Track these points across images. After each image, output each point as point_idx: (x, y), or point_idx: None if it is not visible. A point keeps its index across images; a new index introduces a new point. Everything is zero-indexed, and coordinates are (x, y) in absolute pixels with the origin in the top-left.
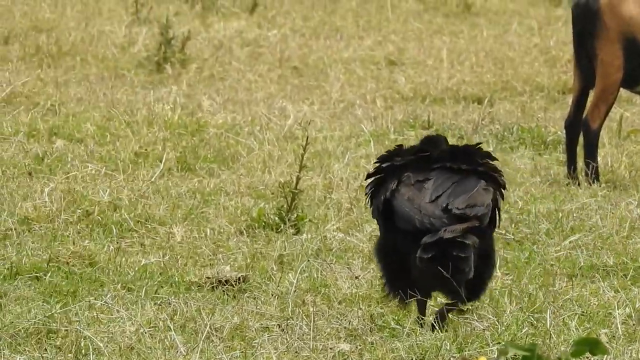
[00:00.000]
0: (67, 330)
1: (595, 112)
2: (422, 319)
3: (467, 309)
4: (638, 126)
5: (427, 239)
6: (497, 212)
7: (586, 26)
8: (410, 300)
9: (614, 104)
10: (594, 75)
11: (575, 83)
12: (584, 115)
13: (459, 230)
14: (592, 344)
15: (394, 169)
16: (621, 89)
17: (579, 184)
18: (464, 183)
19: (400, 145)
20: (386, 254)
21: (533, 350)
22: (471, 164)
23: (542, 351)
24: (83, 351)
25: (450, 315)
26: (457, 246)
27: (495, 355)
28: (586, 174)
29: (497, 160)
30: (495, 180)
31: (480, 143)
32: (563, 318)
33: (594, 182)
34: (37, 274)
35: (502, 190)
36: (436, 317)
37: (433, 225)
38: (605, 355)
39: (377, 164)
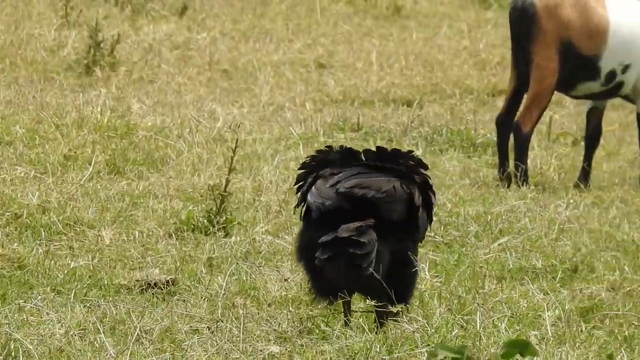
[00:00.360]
0: None
1: (527, 116)
2: (347, 319)
3: (399, 311)
4: (567, 129)
5: (324, 238)
6: (420, 213)
7: (523, 29)
8: (336, 301)
9: (545, 109)
10: (529, 79)
11: (510, 83)
12: (515, 119)
13: (353, 229)
14: (522, 346)
15: (317, 167)
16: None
17: (508, 186)
18: (371, 175)
19: (330, 146)
20: (304, 253)
21: (462, 352)
22: (392, 163)
23: (472, 353)
24: (13, 353)
25: (384, 319)
26: (352, 244)
27: (425, 358)
28: (515, 176)
29: (426, 167)
30: (412, 180)
31: (412, 151)
32: (493, 320)
33: (523, 185)
34: None
35: (429, 192)
36: (375, 324)
37: (323, 204)
38: (535, 357)
39: (306, 163)
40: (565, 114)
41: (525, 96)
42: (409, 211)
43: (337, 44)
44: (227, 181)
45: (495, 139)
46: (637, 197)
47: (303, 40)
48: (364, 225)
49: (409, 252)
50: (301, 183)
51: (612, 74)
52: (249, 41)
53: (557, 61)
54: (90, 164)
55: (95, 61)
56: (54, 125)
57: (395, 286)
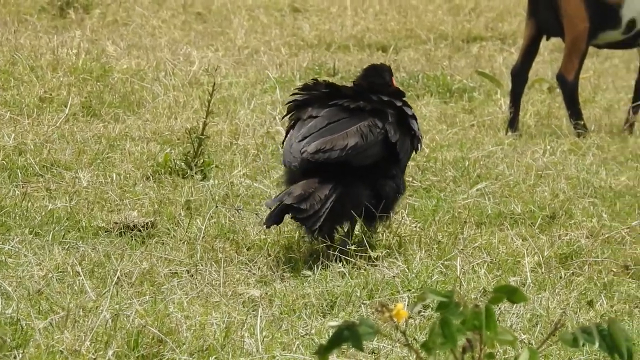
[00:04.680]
0: None
1: (569, 65)
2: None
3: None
4: (543, 75)
5: (270, 203)
6: (398, 147)
7: None
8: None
9: (586, 55)
10: (550, 26)
11: (526, 32)
12: (558, 71)
13: (295, 196)
14: (510, 291)
15: (301, 103)
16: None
17: (517, 132)
18: (341, 124)
19: (316, 80)
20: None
21: (450, 296)
22: (366, 100)
23: (459, 298)
24: None
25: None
26: (294, 210)
27: (408, 302)
28: (578, 135)
29: (402, 95)
30: (386, 116)
31: (388, 83)
32: (472, 266)
33: (580, 136)
34: None
35: (408, 119)
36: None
37: (290, 163)
38: (524, 303)
39: (293, 97)
40: (540, 60)
41: (545, 44)
42: (387, 147)
43: None
44: (205, 124)
45: (470, 84)
46: (613, 144)
47: None
48: (304, 192)
49: (391, 179)
50: (288, 120)
51: (632, 22)
52: None
53: (584, 8)
54: (66, 106)
55: (68, 3)
56: (29, 67)
57: (379, 209)
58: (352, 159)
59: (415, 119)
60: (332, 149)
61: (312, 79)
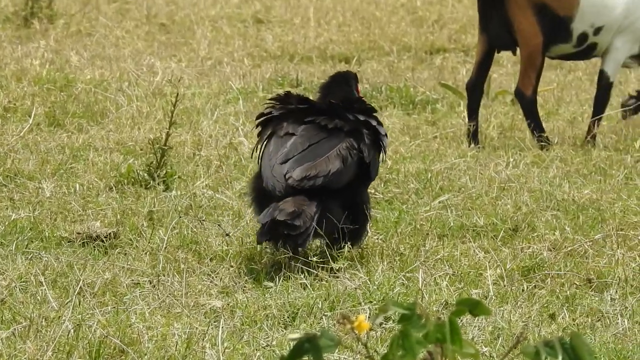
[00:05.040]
0: None
1: (526, 80)
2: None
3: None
4: (506, 87)
5: (262, 218)
6: (371, 166)
7: None
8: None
9: (542, 69)
10: (503, 39)
11: (479, 47)
12: (516, 87)
13: (288, 213)
14: (472, 304)
15: (274, 119)
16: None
17: (479, 145)
18: (321, 146)
19: (288, 93)
20: (256, 191)
21: (412, 308)
22: (342, 119)
23: (421, 310)
24: None
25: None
26: (287, 227)
27: (369, 314)
28: (541, 147)
29: (374, 111)
30: (362, 136)
31: (360, 98)
32: (434, 278)
33: (543, 149)
34: None
35: (380, 137)
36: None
37: (275, 188)
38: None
39: (267, 110)
40: (503, 72)
41: (498, 57)
42: (360, 167)
43: None
44: (168, 135)
45: (433, 96)
46: (577, 157)
47: None
48: (297, 209)
49: (360, 197)
50: (260, 133)
51: (584, 36)
52: None
53: (536, 23)
54: (29, 116)
55: (33, 13)
56: None
57: (348, 227)
58: (332, 184)
59: (386, 136)
60: (316, 176)
61: (285, 92)
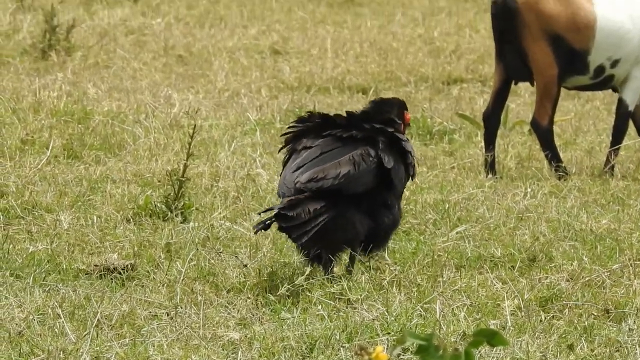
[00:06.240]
0: None
1: (542, 110)
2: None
3: (372, 259)
4: (523, 117)
5: (262, 211)
6: (392, 173)
7: (507, 24)
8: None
9: (558, 100)
10: (519, 70)
11: (495, 77)
12: (532, 117)
13: (284, 202)
14: (490, 335)
15: (296, 135)
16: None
17: (497, 176)
18: (334, 154)
19: (311, 113)
20: None
21: (430, 339)
22: (359, 129)
23: (439, 341)
24: None
25: (353, 268)
26: (281, 217)
27: (387, 345)
28: (558, 177)
29: (395, 123)
30: (378, 144)
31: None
32: (452, 309)
33: (561, 179)
34: None
35: (402, 145)
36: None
37: (284, 194)
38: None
39: (288, 129)
40: (521, 102)
41: (515, 87)
42: (381, 174)
43: (291, 30)
44: (185, 166)
45: (451, 127)
46: (594, 186)
47: (258, 26)
48: (295, 198)
49: (386, 208)
50: (284, 152)
51: (600, 68)
52: (203, 27)
53: (551, 54)
54: (47, 149)
55: (50, 45)
56: (11, 109)
57: (371, 238)
58: (344, 187)
59: (409, 142)
60: (324, 178)
61: (307, 112)
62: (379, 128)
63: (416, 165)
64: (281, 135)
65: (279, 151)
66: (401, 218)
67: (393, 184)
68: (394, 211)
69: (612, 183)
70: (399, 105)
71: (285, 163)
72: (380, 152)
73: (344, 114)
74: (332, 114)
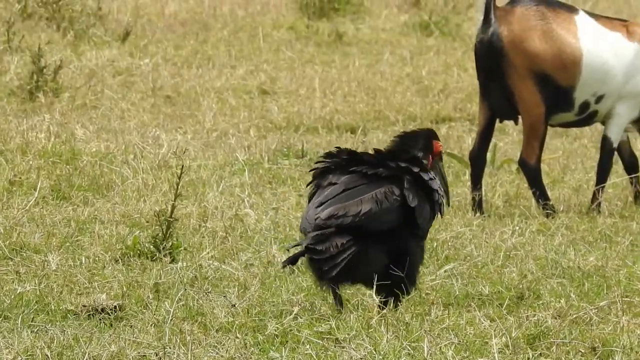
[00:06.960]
0: None
1: (530, 149)
2: (338, 308)
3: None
4: (511, 156)
5: (288, 245)
6: (417, 212)
7: (493, 63)
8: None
9: (545, 138)
10: (504, 108)
11: (480, 116)
12: (520, 156)
13: (312, 237)
14: None
15: (323, 171)
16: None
17: (485, 214)
18: (357, 191)
19: (339, 147)
20: None
21: None
22: (385, 167)
23: None
24: None
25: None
26: (310, 251)
27: None
28: (546, 215)
29: (421, 163)
30: (403, 182)
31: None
32: (440, 347)
33: (549, 217)
34: None
35: (428, 184)
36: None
37: (305, 230)
38: None
39: (316, 165)
40: (509, 141)
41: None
42: (405, 212)
43: (279, 70)
44: (173, 207)
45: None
46: (582, 224)
47: (246, 66)
48: (320, 233)
49: (409, 247)
50: (311, 188)
51: (585, 104)
52: (191, 67)
53: (538, 93)
54: (35, 190)
55: (38, 87)
56: None
57: (395, 278)
58: (366, 225)
59: (435, 180)
60: (345, 215)
61: (335, 147)
62: (404, 167)
63: (444, 202)
64: (309, 171)
65: (307, 186)
66: (423, 258)
67: (417, 223)
68: (419, 249)
69: (599, 220)
70: (426, 137)
71: (310, 198)
72: (405, 191)
73: (371, 151)
74: (359, 151)
